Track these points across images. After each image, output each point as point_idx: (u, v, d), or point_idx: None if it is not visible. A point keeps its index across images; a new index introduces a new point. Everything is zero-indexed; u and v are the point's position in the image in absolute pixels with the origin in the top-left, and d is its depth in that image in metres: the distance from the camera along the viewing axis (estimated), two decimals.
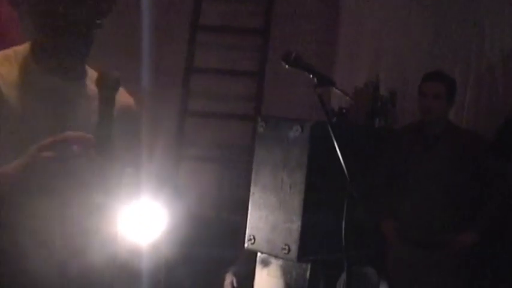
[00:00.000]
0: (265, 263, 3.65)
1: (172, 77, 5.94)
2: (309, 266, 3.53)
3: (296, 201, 3.47)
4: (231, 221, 5.29)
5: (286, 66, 2.81)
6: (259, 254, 3.66)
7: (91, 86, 2.06)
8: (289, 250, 3.45)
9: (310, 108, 5.09)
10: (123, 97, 2.17)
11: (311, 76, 2.77)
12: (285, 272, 3.59)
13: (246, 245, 3.63)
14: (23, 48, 2.10)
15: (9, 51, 2.10)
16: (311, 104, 4.65)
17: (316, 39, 5.94)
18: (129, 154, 2.16)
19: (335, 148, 2.74)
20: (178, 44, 5.97)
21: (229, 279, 4.60)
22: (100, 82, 1.90)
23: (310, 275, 3.54)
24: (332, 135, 2.74)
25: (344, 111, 5.06)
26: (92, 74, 2.14)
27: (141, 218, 3.84)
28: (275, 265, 3.61)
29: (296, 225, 3.44)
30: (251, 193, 3.66)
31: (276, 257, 3.56)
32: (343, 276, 2.93)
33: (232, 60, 5.96)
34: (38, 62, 2.06)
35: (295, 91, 5.56)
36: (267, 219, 3.57)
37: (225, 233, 5.21)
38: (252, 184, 3.67)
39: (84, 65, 2.13)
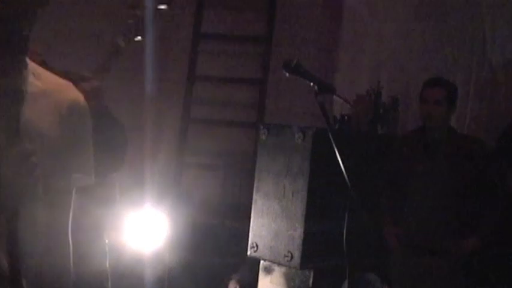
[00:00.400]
0: (268, 270, 3.66)
1: (175, 85, 5.95)
2: (312, 273, 3.54)
3: (298, 209, 3.48)
4: (234, 228, 5.29)
5: (287, 74, 2.82)
6: (262, 261, 3.67)
7: (37, 85, 1.93)
8: (291, 257, 3.46)
9: (313, 116, 5.10)
10: (70, 93, 2.02)
11: (311, 84, 2.78)
12: (288, 279, 3.60)
13: (248, 252, 3.64)
14: None
15: None
16: (313, 112, 4.66)
17: (318, 46, 5.95)
18: (76, 158, 1.99)
19: (336, 154, 2.75)
20: (180, 52, 5.99)
21: (232, 286, 4.60)
22: None
23: (312, 282, 3.55)
24: (333, 142, 2.75)
25: (346, 118, 5.06)
26: (37, 71, 1.99)
27: (144, 225, 3.86)
28: (278, 272, 3.62)
29: (299, 232, 3.46)
30: (253, 200, 3.67)
31: (278, 264, 3.58)
32: (346, 283, 2.93)
33: (235, 68, 5.97)
34: None
35: (298, 98, 5.57)
36: (270, 226, 3.58)
37: (228, 241, 5.21)
38: (254, 191, 3.68)
39: (23, 63, 1.93)
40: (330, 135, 2.75)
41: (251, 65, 5.99)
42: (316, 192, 3.53)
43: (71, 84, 2.03)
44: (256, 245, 3.60)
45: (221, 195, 5.76)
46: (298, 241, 3.46)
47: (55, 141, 1.90)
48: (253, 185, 3.75)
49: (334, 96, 3.03)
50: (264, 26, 5.99)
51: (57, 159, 1.90)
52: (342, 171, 2.73)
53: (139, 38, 2.93)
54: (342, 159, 2.75)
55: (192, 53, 5.97)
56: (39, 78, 1.93)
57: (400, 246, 4.44)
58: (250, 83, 5.99)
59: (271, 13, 5.98)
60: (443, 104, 4.39)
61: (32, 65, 1.96)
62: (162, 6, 2.95)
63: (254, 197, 3.68)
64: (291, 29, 5.99)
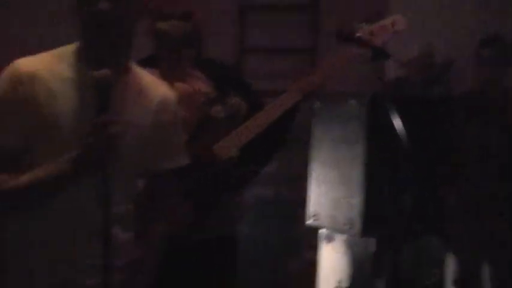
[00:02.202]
0: (329, 239, 3.65)
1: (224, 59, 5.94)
2: (373, 240, 3.52)
3: (357, 176, 3.45)
4: (290, 198, 5.29)
5: (341, 42, 2.79)
6: (322, 230, 3.66)
7: (134, 81, 2.24)
8: (352, 225, 3.43)
9: (365, 82, 5.04)
10: (160, 90, 2.33)
11: (366, 50, 2.76)
12: (350, 247, 3.58)
13: (308, 221, 3.63)
14: (70, 47, 2.24)
15: (60, 50, 2.24)
16: (366, 77, 4.61)
17: (366, 10, 5.87)
18: (166, 144, 2.31)
19: (393, 120, 2.72)
20: (228, 25, 5.96)
21: None
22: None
23: (374, 249, 3.53)
24: (389, 107, 2.72)
25: (400, 82, 5.00)
26: (135, 68, 2.30)
27: None
28: (339, 240, 3.61)
29: (358, 199, 3.43)
30: (311, 169, 3.65)
31: (339, 232, 3.55)
32: (408, 248, 2.91)
33: (283, 38, 5.93)
34: (82, 58, 2.19)
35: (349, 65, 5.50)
36: (328, 195, 3.55)
37: (285, 211, 5.21)
38: (311, 160, 3.66)
39: (126, 60, 2.25)
40: (386, 101, 2.73)
41: (300, 34, 5.94)
42: (373, 159, 3.49)
43: (164, 84, 2.37)
44: (316, 214, 3.58)
45: (276, 166, 5.74)
46: (358, 208, 3.43)
47: (144, 128, 2.22)
48: (306, 155, 3.74)
49: (387, 61, 3.01)
50: None
51: (147, 146, 2.22)
52: (399, 136, 2.70)
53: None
54: (398, 124, 2.72)
55: (240, 25, 5.94)
56: (138, 78, 2.26)
57: (459, 207, 4.40)
58: (301, 52, 5.94)
59: None
60: (499, 64, 4.31)
61: (134, 67, 2.28)
62: None
63: (311, 166, 3.65)
64: None
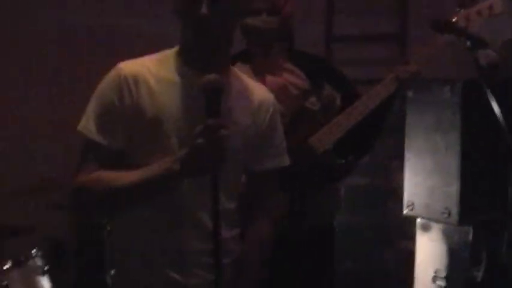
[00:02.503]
0: (426, 228, 3.61)
1: (314, 47, 5.92)
2: (471, 228, 3.47)
3: (453, 164, 3.40)
4: (384, 186, 5.26)
5: (437, 31, 2.77)
6: (419, 219, 3.63)
7: (235, 82, 2.34)
8: (449, 214, 3.39)
9: (458, 67, 4.96)
10: (261, 93, 2.42)
11: (464, 39, 2.73)
12: (447, 236, 3.53)
13: (405, 211, 3.60)
14: (173, 51, 2.34)
15: (160, 54, 2.35)
16: (459, 62, 4.53)
17: None
18: (267, 144, 2.41)
19: (488, 106, 2.68)
20: (315, 14, 5.94)
21: None
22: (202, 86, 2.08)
23: (472, 237, 3.48)
24: (485, 92, 2.69)
25: (494, 67, 4.89)
26: (234, 71, 2.40)
27: None
28: (436, 229, 3.57)
29: (455, 188, 3.38)
30: (406, 158, 3.62)
31: (436, 221, 3.52)
32: (507, 236, 2.86)
33: (372, 25, 5.89)
34: (185, 62, 2.28)
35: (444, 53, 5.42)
36: (424, 183, 3.52)
37: (379, 200, 5.19)
38: (405, 149, 3.63)
39: (227, 62, 2.29)
40: (482, 86, 2.69)
41: (389, 21, 5.88)
42: (469, 146, 3.43)
43: (262, 85, 2.47)
44: (412, 204, 3.55)
45: (371, 154, 5.71)
46: (455, 197, 3.38)
47: (247, 129, 2.33)
48: (397, 142, 3.71)
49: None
50: None
51: (251, 145, 2.34)
52: (496, 122, 2.66)
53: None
54: (496, 109, 2.67)
55: (328, 14, 5.92)
56: (238, 79, 2.38)
57: None
58: (390, 39, 5.89)
59: None
60: None
61: (232, 68, 2.39)
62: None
63: (406, 154, 3.62)
64: None
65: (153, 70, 2.25)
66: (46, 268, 4.23)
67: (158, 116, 2.20)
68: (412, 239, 3.72)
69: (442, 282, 3.53)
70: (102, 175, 2.20)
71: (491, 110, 2.91)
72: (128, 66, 2.26)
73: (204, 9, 2.12)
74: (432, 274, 3.57)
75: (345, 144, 3.02)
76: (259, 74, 2.58)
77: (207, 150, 2.02)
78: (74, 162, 2.30)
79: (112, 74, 2.26)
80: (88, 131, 2.23)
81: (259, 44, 3.06)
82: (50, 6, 5.52)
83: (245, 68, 2.48)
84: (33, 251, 4.25)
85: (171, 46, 2.37)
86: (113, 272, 2.53)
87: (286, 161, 2.47)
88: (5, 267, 4.07)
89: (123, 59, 2.31)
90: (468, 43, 2.69)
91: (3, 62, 5.42)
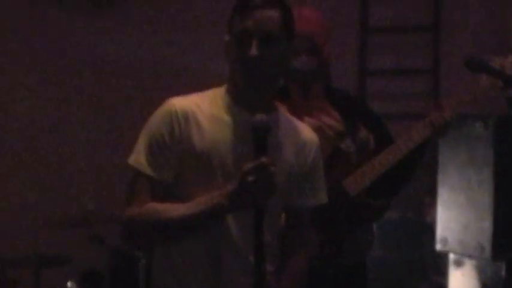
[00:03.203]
0: (459, 263, 3.62)
1: (346, 81, 5.96)
2: (504, 264, 3.46)
3: (486, 199, 3.41)
4: (416, 221, 5.24)
5: (471, 70, 2.79)
6: (451, 254, 3.63)
7: (282, 120, 2.39)
8: (482, 249, 3.40)
9: (490, 102, 4.97)
10: (306, 132, 2.46)
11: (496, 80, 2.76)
12: (480, 272, 3.54)
13: (438, 246, 3.61)
14: (222, 89, 2.39)
15: (209, 91, 2.41)
16: (491, 98, 4.55)
17: (489, 30, 5.78)
18: (309, 182, 2.45)
19: None
20: (348, 46, 5.98)
21: None
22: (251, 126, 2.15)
23: (505, 273, 3.47)
24: None
25: None
26: (281, 109, 2.46)
27: None
28: (469, 265, 3.57)
29: (488, 223, 3.39)
30: (439, 193, 3.64)
31: (469, 257, 3.52)
32: None
33: (405, 60, 5.91)
34: (233, 100, 2.33)
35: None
36: (458, 219, 3.53)
37: (412, 234, 5.17)
38: (439, 184, 3.65)
39: (273, 100, 2.38)
40: None
41: (421, 55, 5.90)
42: (502, 181, 3.45)
43: (307, 126, 2.52)
44: (445, 239, 3.56)
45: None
46: (488, 232, 3.39)
47: (291, 166, 2.36)
48: (430, 177, 3.72)
49: None
50: (431, 14, 5.88)
51: (293, 182, 2.38)
52: None
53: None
54: None
55: (361, 47, 5.96)
56: (285, 117, 2.44)
57: None
58: (422, 73, 5.90)
59: (438, 0, 5.87)
60: None
61: (282, 108, 2.47)
62: None
63: (439, 190, 3.64)
64: (458, 14, 5.84)
65: (202, 107, 2.32)
66: None
67: (206, 152, 2.26)
68: (445, 274, 3.73)
69: None
70: (153, 207, 2.27)
71: None
72: (179, 102, 2.33)
73: (254, 51, 2.18)
74: None
75: (378, 186, 3.04)
76: (295, 113, 2.61)
77: (256, 186, 2.09)
78: (114, 196, 2.36)
79: (163, 109, 2.33)
80: (139, 164, 2.30)
81: (299, 84, 3.08)
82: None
83: (283, 108, 2.51)
84: (68, 283, 4.31)
85: (214, 81, 2.43)
86: None
87: (325, 198, 2.51)
88: None
89: (168, 95, 2.38)
90: (501, 82, 2.72)
91: (53, 97, 5.54)
